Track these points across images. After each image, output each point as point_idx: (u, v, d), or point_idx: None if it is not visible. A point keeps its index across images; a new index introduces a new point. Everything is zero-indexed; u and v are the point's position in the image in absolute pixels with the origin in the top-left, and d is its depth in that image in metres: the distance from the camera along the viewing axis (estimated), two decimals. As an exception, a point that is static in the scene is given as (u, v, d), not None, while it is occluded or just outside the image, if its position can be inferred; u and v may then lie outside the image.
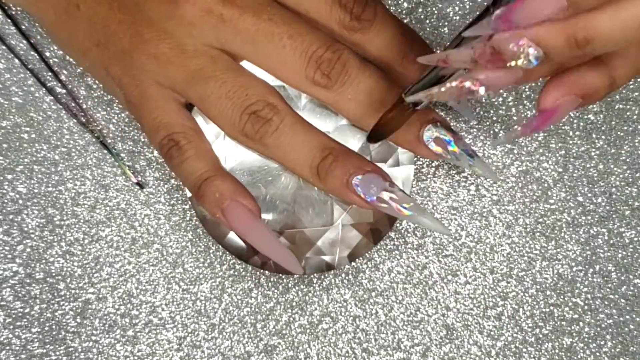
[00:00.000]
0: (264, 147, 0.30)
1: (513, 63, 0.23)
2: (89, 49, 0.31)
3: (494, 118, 0.39)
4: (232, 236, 0.36)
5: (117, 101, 0.39)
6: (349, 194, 0.30)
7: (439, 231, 0.30)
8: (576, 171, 0.39)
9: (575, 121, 0.39)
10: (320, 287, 0.39)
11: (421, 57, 0.26)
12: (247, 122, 0.29)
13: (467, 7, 0.39)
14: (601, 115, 0.39)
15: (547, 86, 0.26)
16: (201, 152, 0.31)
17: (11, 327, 0.39)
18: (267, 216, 0.36)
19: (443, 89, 0.26)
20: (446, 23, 0.39)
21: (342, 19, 0.29)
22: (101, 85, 0.38)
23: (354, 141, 0.35)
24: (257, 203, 0.31)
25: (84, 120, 0.38)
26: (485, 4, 0.26)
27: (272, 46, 0.29)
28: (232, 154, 0.36)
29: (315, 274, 0.39)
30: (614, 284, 0.39)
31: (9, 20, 0.38)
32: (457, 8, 0.39)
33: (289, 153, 0.29)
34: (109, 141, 0.39)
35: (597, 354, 0.39)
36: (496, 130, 0.39)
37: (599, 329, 0.39)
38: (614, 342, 0.39)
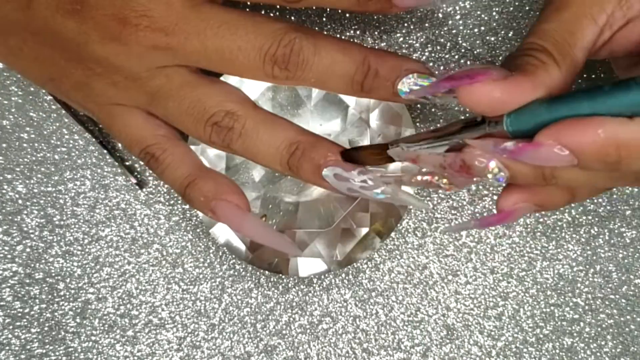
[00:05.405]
0: (234, 152, 0.31)
1: (478, 178, 0.26)
2: (45, 83, 0.32)
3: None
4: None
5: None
6: (322, 184, 0.30)
7: (416, 207, 0.30)
8: (577, 171, 0.39)
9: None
10: (320, 287, 0.39)
11: (391, 150, 0.28)
12: (212, 133, 0.30)
13: (468, 6, 0.39)
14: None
15: (509, 189, 0.28)
16: (178, 158, 0.31)
17: (11, 327, 0.39)
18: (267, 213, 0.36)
19: (413, 180, 0.28)
20: (446, 23, 0.39)
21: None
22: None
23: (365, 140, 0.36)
24: (244, 195, 0.31)
25: (83, 119, 0.38)
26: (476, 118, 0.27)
27: (226, 58, 0.29)
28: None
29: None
30: (615, 284, 0.39)
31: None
32: (457, 8, 0.39)
33: (257, 154, 0.30)
34: (109, 141, 0.39)
35: (598, 354, 0.39)
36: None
37: (599, 329, 0.39)
38: (614, 342, 0.39)
